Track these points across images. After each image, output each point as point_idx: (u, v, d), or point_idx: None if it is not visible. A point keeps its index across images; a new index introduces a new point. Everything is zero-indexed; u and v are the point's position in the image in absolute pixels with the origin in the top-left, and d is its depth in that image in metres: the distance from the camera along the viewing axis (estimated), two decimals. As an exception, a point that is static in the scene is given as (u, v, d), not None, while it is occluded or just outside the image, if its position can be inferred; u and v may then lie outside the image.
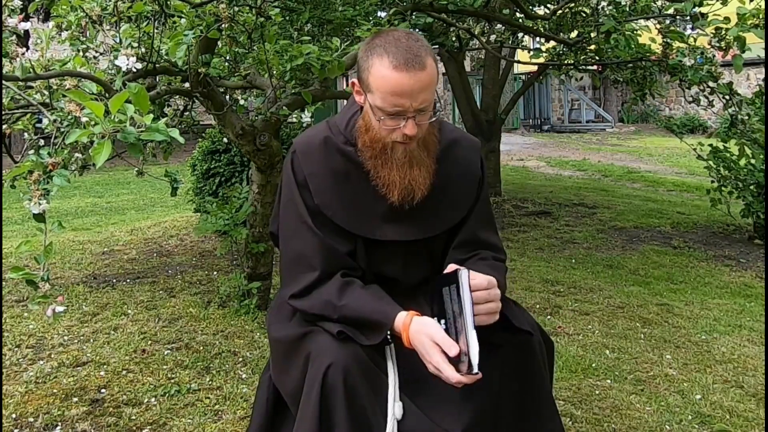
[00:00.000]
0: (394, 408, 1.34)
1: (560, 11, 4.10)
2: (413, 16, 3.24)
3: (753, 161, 4.86)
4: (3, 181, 2.28)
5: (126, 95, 1.26)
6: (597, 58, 4.19)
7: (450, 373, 1.27)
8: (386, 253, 1.53)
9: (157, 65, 2.44)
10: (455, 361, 1.27)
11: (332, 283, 1.44)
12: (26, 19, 1.66)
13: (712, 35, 3.12)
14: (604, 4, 3.67)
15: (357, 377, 1.33)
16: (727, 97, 3.97)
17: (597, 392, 2.51)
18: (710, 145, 5.04)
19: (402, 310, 1.38)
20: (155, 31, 2.35)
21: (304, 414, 1.34)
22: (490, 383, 1.38)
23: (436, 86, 1.43)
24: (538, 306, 3.51)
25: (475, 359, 1.24)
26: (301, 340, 1.45)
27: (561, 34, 4.29)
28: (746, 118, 4.12)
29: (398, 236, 1.52)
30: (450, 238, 1.58)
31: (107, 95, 1.91)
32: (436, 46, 4.97)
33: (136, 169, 2.58)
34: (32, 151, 2.00)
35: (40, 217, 1.56)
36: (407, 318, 1.35)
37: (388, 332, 1.38)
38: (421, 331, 1.32)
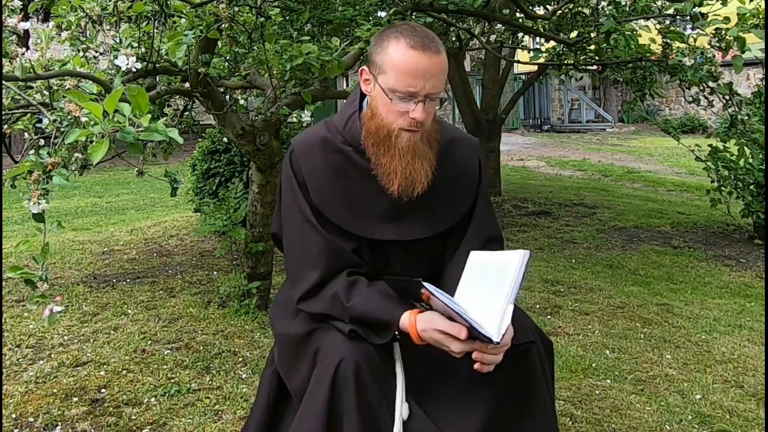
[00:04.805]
0: (401, 408, 1.35)
1: (560, 11, 4.10)
2: (413, 16, 3.23)
3: (751, 161, 4.86)
4: (3, 181, 2.28)
5: (119, 94, 1.26)
6: (597, 58, 4.18)
7: (478, 347, 1.30)
8: (384, 252, 1.54)
9: (157, 65, 2.43)
10: (473, 338, 1.30)
11: (339, 283, 1.45)
12: (26, 19, 1.66)
13: (712, 35, 3.12)
14: (604, 4, 3.67)
15: (367, 374, 1.34)
16: (727, 97, 3.97)
17: (597, 392, 2.51)
18: (710, 145, 5.04)
19: (407, 309, 1.38)
20: (155, 31, 2.34)
21: (310, 408, 1.34)
22: (492, 392, 1.39)
23: (446, 77, 1.44)
24: (538, 306, 3.51)
25: (491, 330, 1.28)
26: (309, 337, 1.46)
27: (561, 34, 4.28)
28: (746, 118, 4.11)
29: (395, 236, 1.52)
30: (447, 239, 1.58)
31: (107, 95, 1.90)
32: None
33: (136, 169, 2.57)
34: (32, 151, 2.00)
35: (39, 217, 1.56)
36: (411, 317, 1.37)
37: (396, 331, 1.39)
38: (427, 328, 1.33)
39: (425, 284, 1.30)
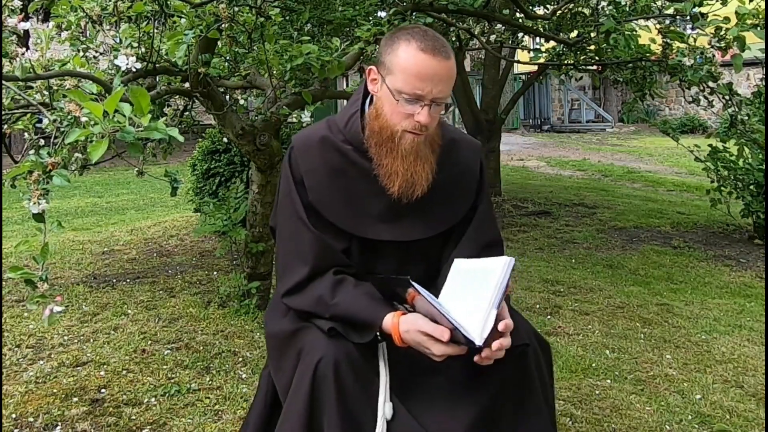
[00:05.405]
0: (384, 408, 1.34)
1: (560, 11, 4.09)
2: (413, 16, 3.23)
3: (751, 161, 4.86)
4: (3, 181, 2.28)
5: (120, 94, 1.26)
6: (597, 58, 4.18)
7: (458, 351, 1.29)
8: (380, 252, 1.53)
9: (157, 65, 2.43)
10: (454, 341, 1.29)
11: (325, 281, 1.45)
12: (26, 19, 1.66)
13: (712, 35, 3.11)
14: (604, 4, 3.66)
15: (348, 372, 1.33)
16: (727, 97, 3.97)
17: (597, 392, 2.51)
18: (710, 145, 5.04)
19: (391, 310, 1.38)
20: (155, 31, 2.34)
21: (291, 406, 1.34)
22: (484, 393, 1.38)
23: (453, 83, 1.44)
24: (538, 306, 3.51)
25: (474, 332, 1.27)
26: (294, 336, 1.46)
27: (561, 34, 4.28)
28: (746, 118, 4.11)
29: (392, 237, 1.52)
30: (445, 240, 1.58)
31: (107, 95, 1.91)
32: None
33: (136, 169, 2.57)
34: (32, 151, 2.00)
35: (39, 217, 1.56)
36: (395, 318, 1.36)
37: (378, 332, 1.38)
38: (410, 330, 1.33)
39: (413, 283, 1.30)
